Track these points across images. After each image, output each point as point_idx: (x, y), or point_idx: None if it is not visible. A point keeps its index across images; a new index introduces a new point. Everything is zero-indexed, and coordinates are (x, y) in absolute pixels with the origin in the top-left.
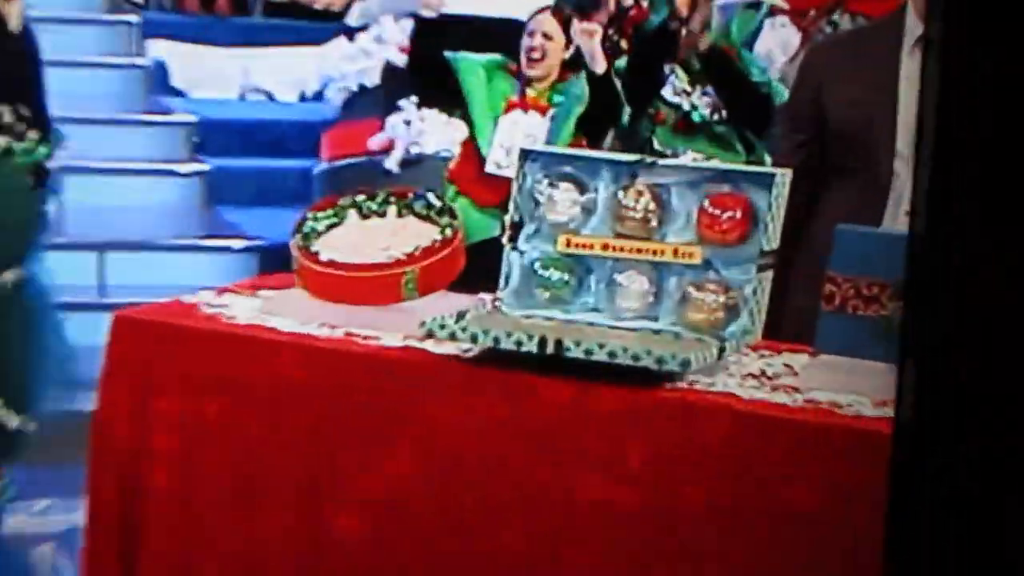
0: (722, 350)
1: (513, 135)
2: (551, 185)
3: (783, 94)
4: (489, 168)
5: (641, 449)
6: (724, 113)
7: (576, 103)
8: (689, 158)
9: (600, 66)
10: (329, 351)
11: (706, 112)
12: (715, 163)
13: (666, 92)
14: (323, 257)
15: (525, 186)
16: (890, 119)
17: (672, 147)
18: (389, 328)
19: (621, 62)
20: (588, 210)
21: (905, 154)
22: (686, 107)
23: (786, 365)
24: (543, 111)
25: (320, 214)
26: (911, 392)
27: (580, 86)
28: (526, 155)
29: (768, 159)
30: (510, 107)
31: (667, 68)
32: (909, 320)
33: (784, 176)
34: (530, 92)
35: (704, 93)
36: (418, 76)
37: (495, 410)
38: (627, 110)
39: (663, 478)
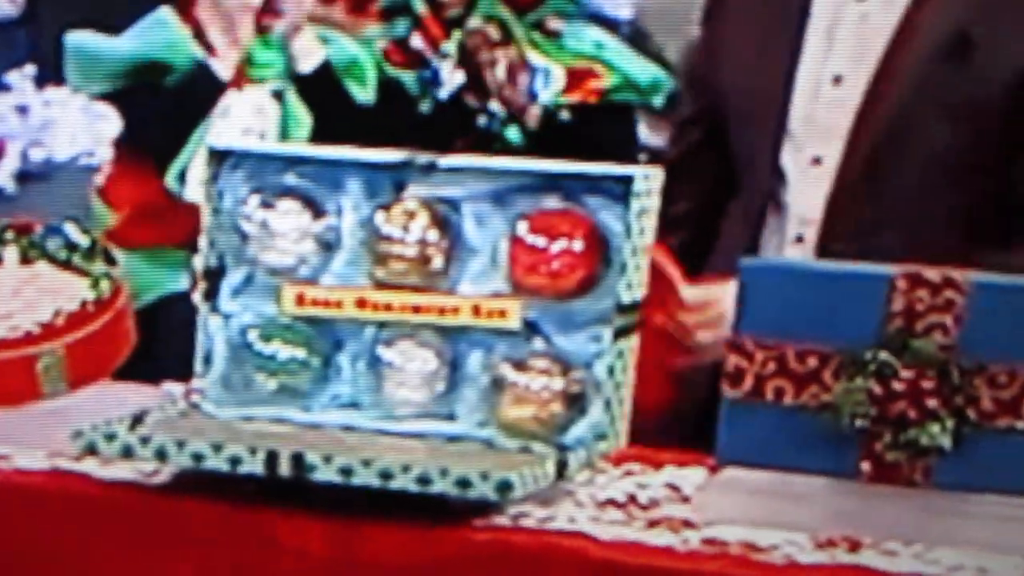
0: (563, 465)
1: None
2: (265, 205)
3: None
4: (190, 192)
5: None
6: None
7: None
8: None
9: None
10: None
11: None
12: (533, 162)
13: None
14: None
15: (222, 209)
16: (779, 92)
17: None
18: (24, 441)
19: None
20: (328, 244)
21: (805, 149)
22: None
23: (670, 486)
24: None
25: None
26: None
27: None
28: (219, 158)
29: None
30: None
31: None
32: None
33: (651, 178)
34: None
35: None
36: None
37: (203, 567)
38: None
39: None
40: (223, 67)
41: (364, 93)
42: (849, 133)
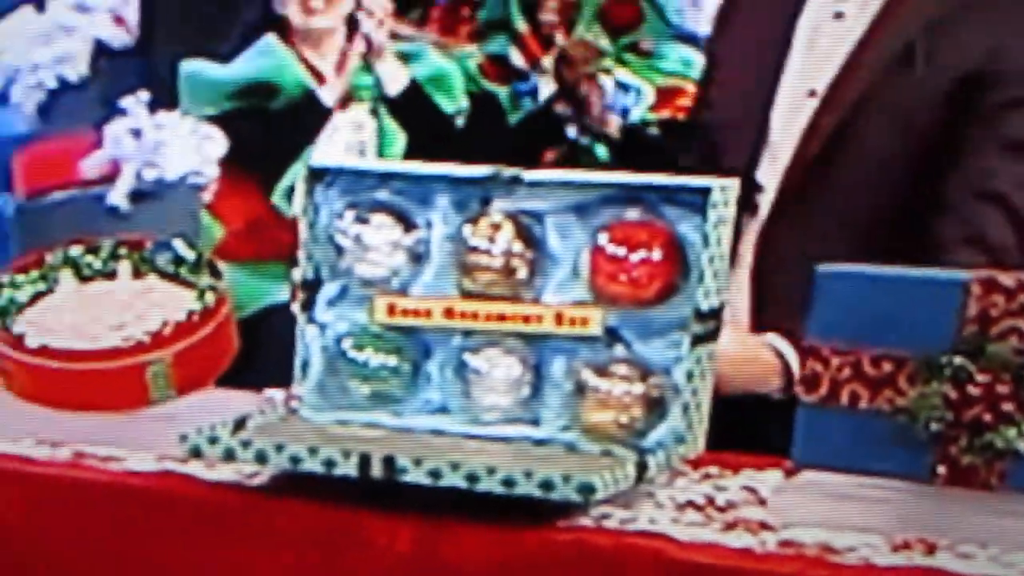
0: (643, 468)
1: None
2: (359, 220)
3: None
4: (296, 209)
5: None
6: None
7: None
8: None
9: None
10: (50, 479)
11: None
12: (613, 175)
13: None
14: (30, 342)
15: (318, 224)
16: (759, 100)
17: None
18: (134, 444)
19: None
20: (418, 256)
21: (779, 159)
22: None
23: (747, 488)
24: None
25: (20, 278)
26: None
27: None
28: (316, 176)
29: None
30: None
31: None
32: None
33: (727, 190)
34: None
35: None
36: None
37: (297, 566)
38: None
39: None
40: (329, 93)
41: (454, 105)
42: (800, 138)
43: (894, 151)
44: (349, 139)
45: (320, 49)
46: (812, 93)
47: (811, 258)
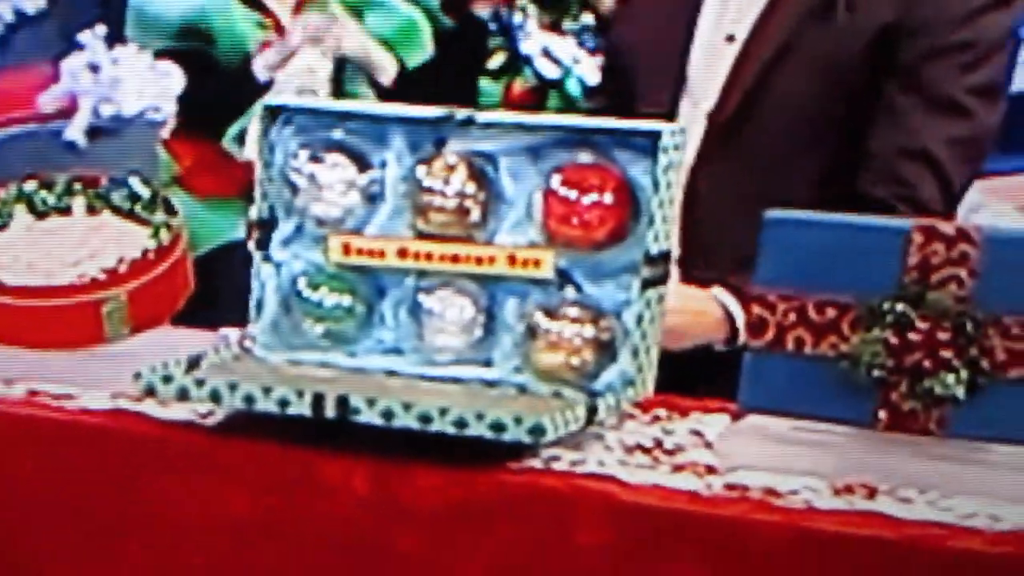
0: (593, 410)
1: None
2: (314, 159)
3: None
4: (247, 153)
5: (473, 564)
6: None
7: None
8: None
9: None
10: (4, 417)
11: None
12: (565, 118)
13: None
14: None
15: (273, 162)
16: (680, 49)
17: None
18: (88, 383)
19: None
20: (372, 196)
21: (701, 103)
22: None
23: (694, 432)
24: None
25: None
26: None
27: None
28: (272, 114)
29: None
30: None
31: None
32: None
33: (678, 134)
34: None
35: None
36: None
37: (252, 505)
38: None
39: None
40: (272, 55)
41: (420, 57)
42: (723, 85)
43: (819, 102)
44: (301, 84)
45: None
46: (731, 38)
47: (736, 209)
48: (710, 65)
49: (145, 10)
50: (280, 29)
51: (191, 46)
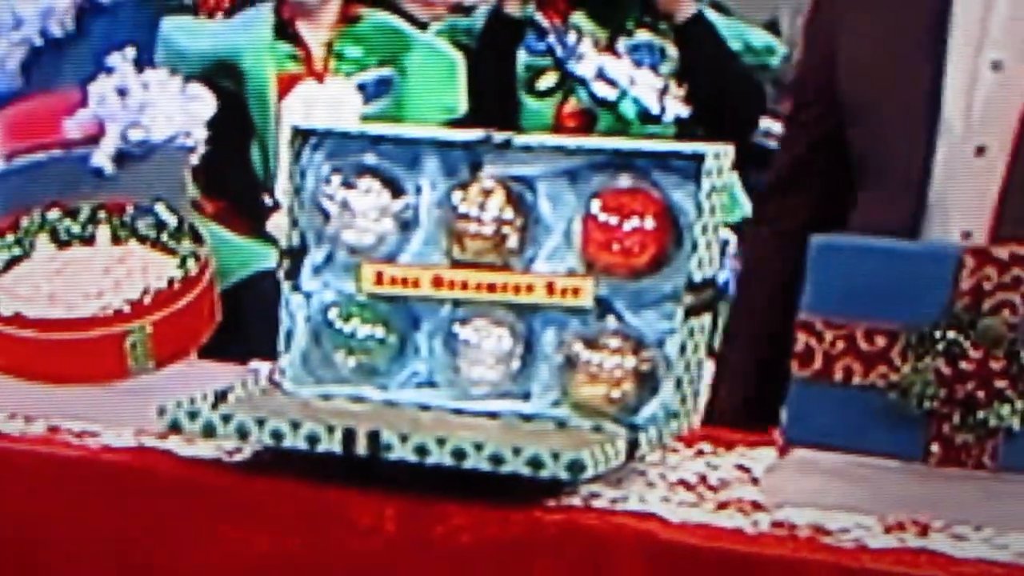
0: (634, 445)
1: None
2: (346, 184)
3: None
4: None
5: None
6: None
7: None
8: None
9: None
10: (24, 455)
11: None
12: (603, 140)
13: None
14: (3, 310)
15: (304, 188)
16: (924, 86)
17: None
18: (111, 418)
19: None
20: (406, 223)
21: (969, 141)
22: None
23: (740, 467)
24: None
25: None
26: None
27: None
28: (302, 137)
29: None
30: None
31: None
32: None
33: (722, 156)
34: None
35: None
36: None
37: (279, 546)
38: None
39: None
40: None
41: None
42: (1018, 121)
43: None
44: (328, 116)
45: (314, 21)
46: (996, 66)
47: None
48: (973, 97)
49: (174, 43)
50: (310, 63)
51: (219, 83)
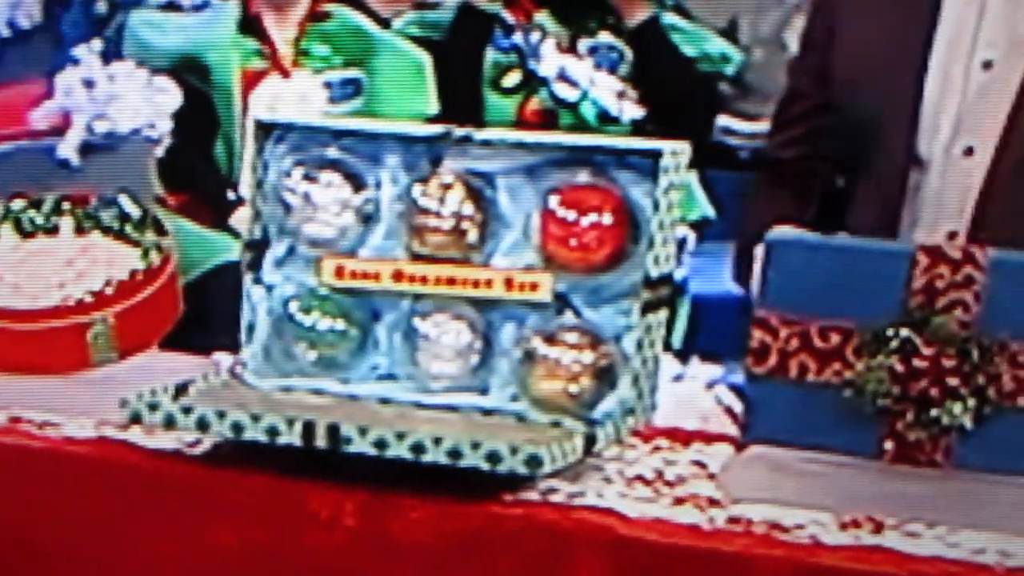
0: (592, 440)
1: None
2: (308, 178)
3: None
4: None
5: None
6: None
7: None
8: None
9: None
10: None
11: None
12: (562, 136)
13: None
14: None
15: (266, 181)
16: (912, 86)
17: None
18: (72, 409)
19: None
20: (367, 217)
21: (957, 139)
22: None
23: (696, 463)
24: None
25: None
26: None
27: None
28: (265, 131)
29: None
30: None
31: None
32: None
33: (678, 153)
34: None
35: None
36: None
37: (239, 538)
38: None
39: None
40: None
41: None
42: (1006, 121)
43: None
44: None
45: (281, 17)
46: (987, 65)
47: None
48: (964, 96)
49: (141, 37)
50: (276, 59)
51: (184, 78)
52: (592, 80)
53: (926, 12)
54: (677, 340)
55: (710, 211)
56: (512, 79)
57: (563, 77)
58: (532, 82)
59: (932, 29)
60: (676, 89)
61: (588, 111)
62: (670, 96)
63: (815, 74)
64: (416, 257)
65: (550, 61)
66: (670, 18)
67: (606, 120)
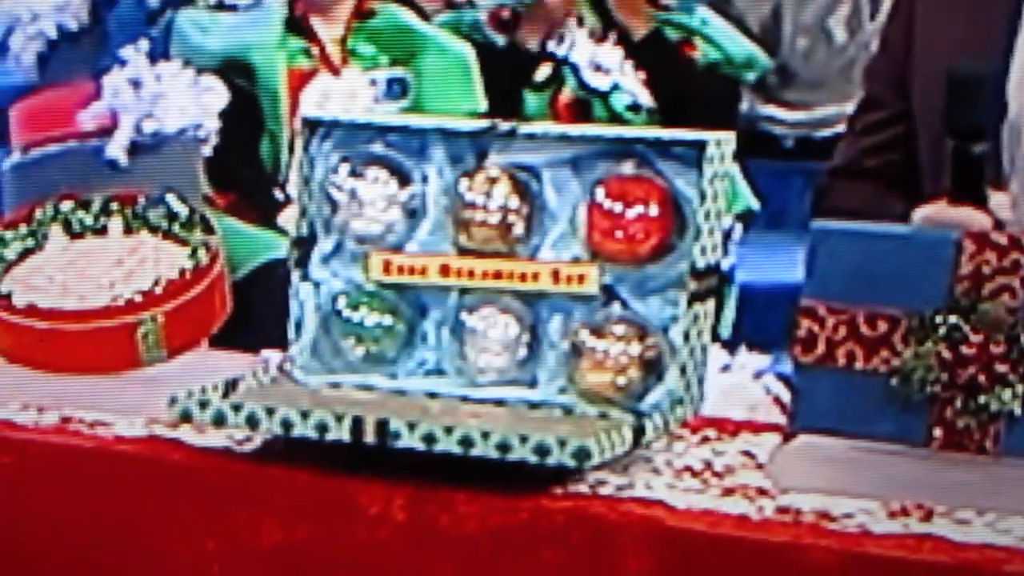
0: (640, 432)
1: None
2: (354, 174)
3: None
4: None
5: None
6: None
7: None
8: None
9: None
10: (36, 445)
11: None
12: (606, 128)
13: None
14: (17, 301)
15: (313, 178)
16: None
17: None
18: (122, 408)
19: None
20: (413, 212)
21: None
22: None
23: (745, 453)
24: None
25: (8, 234)
26: None
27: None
28: (311, 127)
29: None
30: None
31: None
32: None
33: (724, 144)
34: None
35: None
36: None
37: (288, 535)
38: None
39: None
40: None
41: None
42: None
43: None
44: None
45: (328, 16)
46: None
47: None
48: None
49: (188, 39)
50: (325, 57)
51: (231, 79)
52: (623, 69)
53: (1006, 18)
54: (725, 330)
55: (754, 203)
56: (543, 72)
57: (595, 65)
58: (561, 73)
59: (1013, 36)
60: (688, 97)
61: (618, 103)
62: (682, 105)
63: (892, 80)
64: (463, 251)
65: (581, 49)
66: (702, 14)
67: (636, 111)
